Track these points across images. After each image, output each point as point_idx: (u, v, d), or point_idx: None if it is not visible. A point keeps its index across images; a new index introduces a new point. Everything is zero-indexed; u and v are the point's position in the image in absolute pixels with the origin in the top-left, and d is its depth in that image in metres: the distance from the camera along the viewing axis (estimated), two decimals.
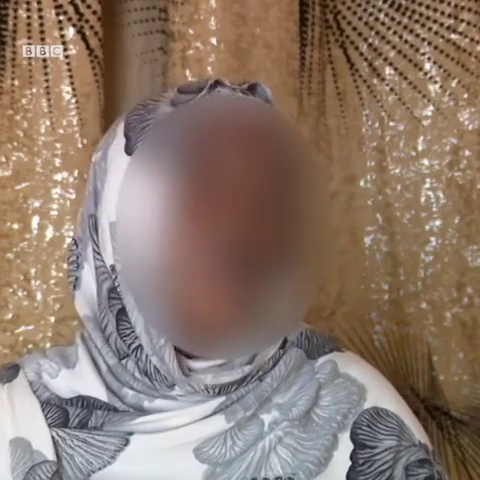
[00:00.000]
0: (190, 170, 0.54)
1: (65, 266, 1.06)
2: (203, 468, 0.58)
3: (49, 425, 0.59)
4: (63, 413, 0.60)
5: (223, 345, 0.57)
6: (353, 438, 0.62)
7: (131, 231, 0.56)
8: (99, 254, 0.61)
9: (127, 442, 0.58)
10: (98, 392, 0.61)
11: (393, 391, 0.67)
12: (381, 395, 0.65)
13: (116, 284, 0.59)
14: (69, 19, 1.05)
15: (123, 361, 0.61)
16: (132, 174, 0.57)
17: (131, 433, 0.58)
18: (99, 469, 0.58)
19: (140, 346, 0.59)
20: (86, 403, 0.61)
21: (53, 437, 0.58)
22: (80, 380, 0.62)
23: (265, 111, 0.60)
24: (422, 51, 1.23)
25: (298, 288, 0.57)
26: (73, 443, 0.58)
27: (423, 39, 1.23)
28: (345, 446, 0.61)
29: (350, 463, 0.61)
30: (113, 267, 0.59)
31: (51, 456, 0.58)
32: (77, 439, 0.58)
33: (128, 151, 0.59)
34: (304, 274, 0.57)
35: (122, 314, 0.60)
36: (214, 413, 0.59)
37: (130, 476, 0.58)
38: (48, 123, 1.06)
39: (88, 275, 0.63)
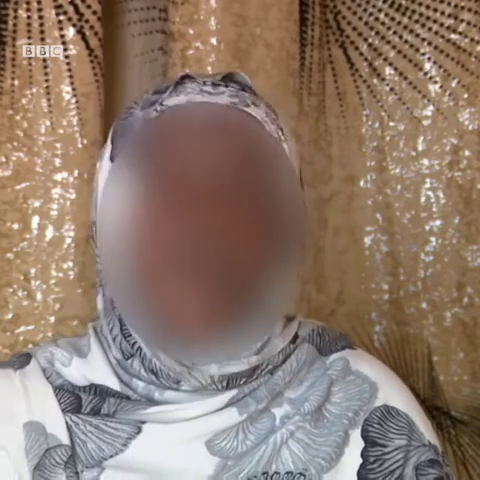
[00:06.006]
0: (156, 176, 0.56)
1: (65, 266, 1.06)
2: (215, 461, 0.58)
3: (62, 410, 0.59)
4: (76, 399, 0.60)
5: (201, 347, 0.57)
6: (364, 435, 0.62)
7: (106, 235, 0.58)
8: (100, 258, 0.62)
9: (139, 430, 0.58)
10: (111, 381, 0.61)
11: (404, 390, 0.67)
12: (392, 393, 0.65)
13: None
14: (69, 19, 1.05)
15: (129, 361, 0.61)
16: (111, 179, 0.59)
17: (143, 422, 0.58)
18: (111, 456, 0.58)
19: None
20: (99, 391, 0.61)
21: (66, 422, 0.59)
22: (93, 369, 0.62)
23: (224, 111, 0.60)
24: (422, 51, 1.23)
25: (276, 281, 0.57)
26: (86, 429, 0.58)
27: (423, 39, 1.23)
28: (356, 443, 0.62)
29: (361, 460, 0.61)
30: None
31: (66, 440, 0.58)
32: (90, 425, 0.58)
33: (111, 157, 0.61)
34: (281, 267, 0.57)
35: None
36: (226, 406, 0.59)
37: (141, 465, 0.58)
38: (48, 123, 1.06)
39: None
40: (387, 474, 0.61)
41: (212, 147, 0.57)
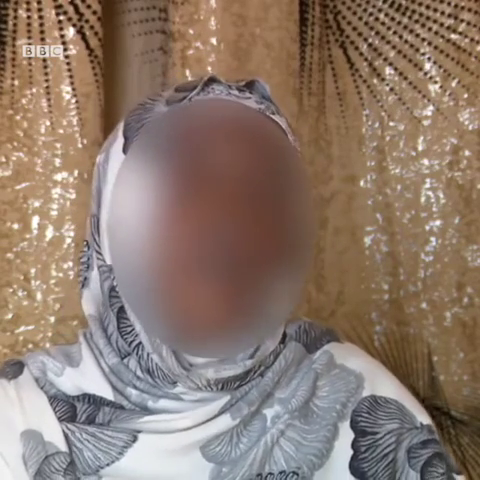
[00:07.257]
0: (179, 170, 0.55)
1: (65, 266, 1.06)
2: (209, 467, 0.58)
3: (58, 419, 0.59)
4: (71, 408, 0.60)
5: (214, 344, 0.57)
6: (353, 426, 0.62)
7: (121, 230, 0.56)
8: (100, 253, 0.61)
9: (135, 439, 0.58)
10: (104, 391, 0.61)
11: (391, 378, 0.67)
12: (378, 383, 0.65)
13: (115, 283, 0.60)
14: (69, 19, 1.05)
15: (125, 360, 0.61)
16: (124, 174, 0.58)
17: (139, 431, 0.58)
18: (107, 465, 0.58)
19: (141, 343, 0.59)
20: (93, 400, 0.61)
21: (63, 430, 0.58)
22: (85, 379, 0.62)
23: (255, 114, 0.60)
24: (422, 51, 1.23)
25: (286, 286, 0.57)
26: (82, 437, 0.58)
27: (423, 39, 1.23)
28: (345, 435, 0.61)
29: (352, 452, 0.61)
30: (112, 266, 0.60)
31: (64, 447, 0.58)
32: (86, 433, 0.58)
33: (125, 150, 0.60)
34: (291, 272, 0.57)
35: (123, 312, 0.60)
36: (220, 413, 0.59)
37: (137, 473, 0.58)
38: (48, 123, 1.06)
39: (96, 276, 0.63)
40: (380, 459, 0.61)
41: (241, 149, 0.56)
